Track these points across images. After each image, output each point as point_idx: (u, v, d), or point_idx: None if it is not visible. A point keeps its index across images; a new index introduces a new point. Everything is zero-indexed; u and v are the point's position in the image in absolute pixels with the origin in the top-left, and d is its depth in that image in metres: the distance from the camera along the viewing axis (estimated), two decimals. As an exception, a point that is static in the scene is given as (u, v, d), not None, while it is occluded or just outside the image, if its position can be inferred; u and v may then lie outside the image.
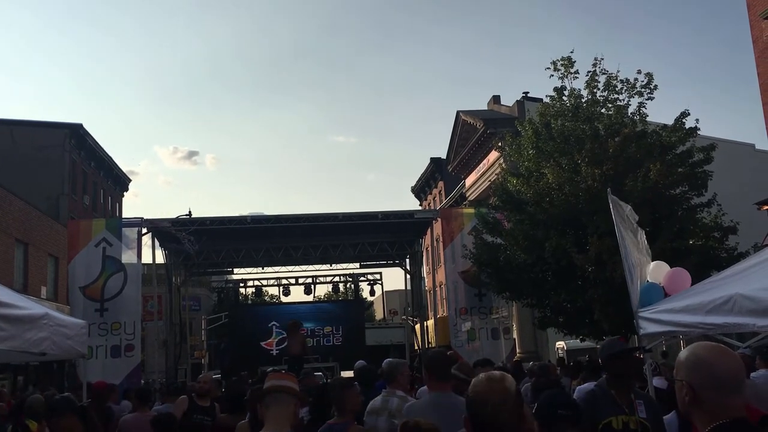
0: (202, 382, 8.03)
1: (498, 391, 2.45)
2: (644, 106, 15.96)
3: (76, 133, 36.42)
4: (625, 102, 16.05)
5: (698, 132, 16.06)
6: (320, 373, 19.13)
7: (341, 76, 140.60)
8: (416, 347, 27.88)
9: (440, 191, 46.51)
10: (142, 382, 17.84)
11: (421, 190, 51.87)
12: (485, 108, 34.43)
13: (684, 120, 15.90)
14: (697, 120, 15.96)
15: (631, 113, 16.00)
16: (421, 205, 51.86)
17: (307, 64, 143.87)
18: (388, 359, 6.15)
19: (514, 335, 23.79)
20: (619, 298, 11.50)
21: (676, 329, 5.90)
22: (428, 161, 47.71)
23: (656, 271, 6.87)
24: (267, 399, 3.52)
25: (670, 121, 16.17)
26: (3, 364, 20.92)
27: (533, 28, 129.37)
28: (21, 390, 23.14)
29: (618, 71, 16.12)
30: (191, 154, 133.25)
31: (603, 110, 16.11)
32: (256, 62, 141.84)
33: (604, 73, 16.13)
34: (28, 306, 6.55)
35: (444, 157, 39.76)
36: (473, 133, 32.00)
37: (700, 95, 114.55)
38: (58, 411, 5.51)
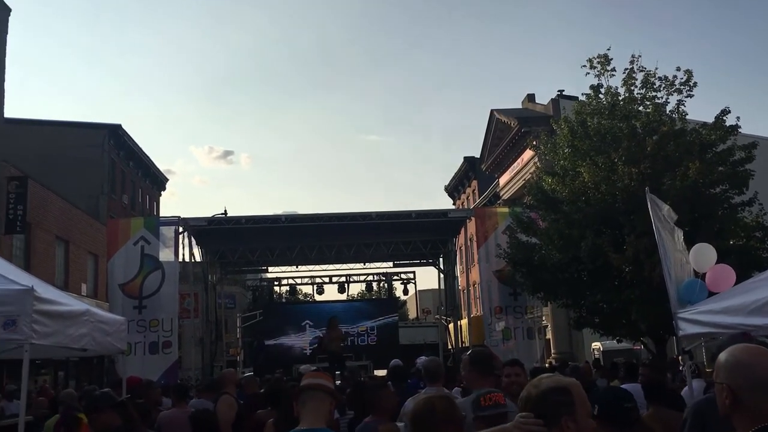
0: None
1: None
2: (683, 104, 15.70)
3: (114, 134, 37.07)
4: (664, 99, 15.80)
5: (739, 130, 15.73)
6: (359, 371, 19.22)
7: (376, 75, 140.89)
8: (449, 346, 27.80)
9: (474, 190, 46.33)
10: (179, 378, 18.08)
11: (454, 189, 51.72)
12: (520, 106, 34.20)
13: (724, 118, 15.59)
14: (738, 118, 15.68)
15: (669, 111, 15.75)
16: (454, 204, 51.70)
17: (341, 63, 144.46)
18: (426, 357, 6.20)
19: (548, 335, 23.61)
20: (658, 299, 11.33)
21: (717, 330, 5.80)
22: (462, 160, 47.59)
23: (700, 253, 6.71)
24: (303, 396, 3.57)
25: (710, 119, 15.89)
26: (44, 359, 21.41)
27: (569, 25, 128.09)
28: (62, 385, 23.65)
29: (656, 68, 15.90)
30: (226, 154, 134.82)
31: (641, 108, 15.89)
32: (291, 62, 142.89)
33: (641, 71, 15.91)
34: (69, 303, 6.68)
35: (478, 156, 39.59)
36: (507, 132, 31.81)
37: (742, 92, 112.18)
38: (98, 407, 5.59)
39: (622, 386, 8.19)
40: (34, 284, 5.65)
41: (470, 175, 46.73)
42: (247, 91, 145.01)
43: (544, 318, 22.10)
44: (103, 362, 27.52)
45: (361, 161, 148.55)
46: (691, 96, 15.66)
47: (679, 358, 6.58)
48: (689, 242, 12.34)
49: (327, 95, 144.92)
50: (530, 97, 33.93)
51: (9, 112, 25.48)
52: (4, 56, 24.53)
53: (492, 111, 34.11)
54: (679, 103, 15.69)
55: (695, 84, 15.60)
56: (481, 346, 20.01)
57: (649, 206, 6.99)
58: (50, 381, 24.45)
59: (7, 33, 24.67)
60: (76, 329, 6.36)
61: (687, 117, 15.90)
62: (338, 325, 17.17)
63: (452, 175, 50.89)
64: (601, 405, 3.10)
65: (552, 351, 26.41)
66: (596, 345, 24.10)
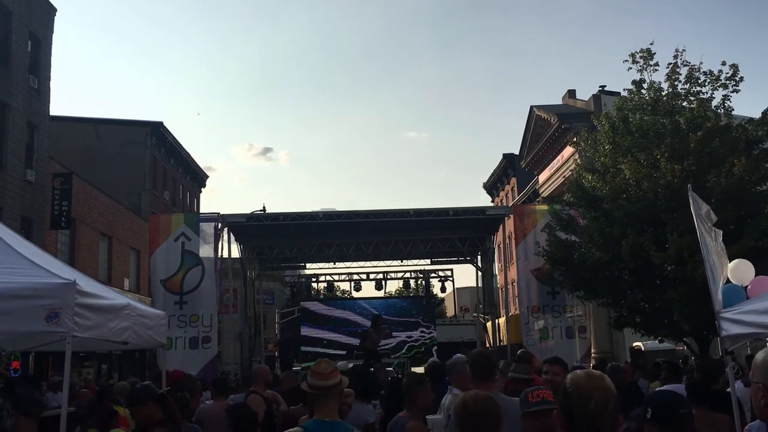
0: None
1: (602, 389, 2.39)
2: (729, 99, 15.34)
3: (156, 131, 37.65)
4: (709, 95, 15.46)
5: (788, 125, 15.30)
6: (391, 369, 19.23)
7: (414, 72, 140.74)
8: (488, 345, 27.66)
9: (513, 188, 45.97)
10: (219, 373, 18.29)
11: (493, 186, 51.37)
12: (560, 103, 33.78)
13: (772, 113, 15.17)
14: (786, 113, 15.22)
15: (714, 106, 15.40)
16: (493, 201, 51.37)
17: (379, 60, 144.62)
18: (457, 355, 6.15)
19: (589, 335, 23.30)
20: (701, 298, 11.11)
21: (761, 331, 5.65)
22: (501, 157, 47.27)
23: (739, 270, 6.57)
24: (311, 397, 3.81)
25: (757, 114, 15.48)
26: (88, 352, 21.89)
27: (610, 20, 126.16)
28: (105, 377, 24.17)
29: (701, 63, 15.57)
30: (265, 151, 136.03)
31: (684, 103, 15.57)
32: (330, 59, 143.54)
33: (685, 65, 15.59)
34: (110, 296, 6.79)
35: (517, 153, 39.24)
36: (547, 129, 31.45)
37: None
38: (140, 399, 5.71)
39: (668, 386, 8.05)
40: (76, 278, 5.75)
41: (509, 172, 46.38)
42: (287, 89, 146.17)
43: (584, 317, 21.80)
44: (145, 356, 28.03)
45: (398, 158, 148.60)
46: (737, 91, 15.30)
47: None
48: (735, 241, 12.08)
49: (365, 92, 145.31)
50: (571, 93, 33.48)
51: (54, 110, 26.09)
52: (50, 55, 25.09)
53: (532, 107, 33.74)
54: (725, 98, 15.34)
55: (741, 79, 15.23)
56: (519, 346, 19.87)
57: (691, 204, 6.83)
58: (94, 373, 24.98)
59: (53, 32, 25.23)
60: (118, 323, 6.46)
61: (733, 112, 15.53)
62: (382, 325, 17.24)
63: (491, 172, 50.60)
64: (655, 409, 3.02)
65: (592, 350, 26.08)
66: (637, 344, 23.69)
